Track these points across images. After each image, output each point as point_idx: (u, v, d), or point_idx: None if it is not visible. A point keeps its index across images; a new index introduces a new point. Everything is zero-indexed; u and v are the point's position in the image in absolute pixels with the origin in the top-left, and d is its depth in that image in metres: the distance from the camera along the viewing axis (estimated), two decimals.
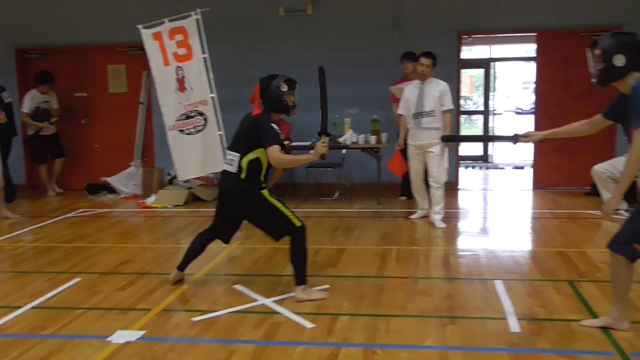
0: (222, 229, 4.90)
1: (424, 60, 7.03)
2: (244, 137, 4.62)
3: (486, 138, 4.68)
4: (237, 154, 4.58)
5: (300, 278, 4.58)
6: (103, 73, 10.17)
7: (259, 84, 4.69)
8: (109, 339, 3.89)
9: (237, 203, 4.66)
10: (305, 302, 4.49)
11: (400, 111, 7.27)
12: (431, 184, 7.06)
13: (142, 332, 3.99)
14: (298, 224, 4.55)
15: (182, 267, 5.01)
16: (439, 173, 6.98)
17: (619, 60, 3.46)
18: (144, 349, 3.75)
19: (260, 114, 4.64)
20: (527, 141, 4.24)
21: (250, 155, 4.53)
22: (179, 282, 5.03)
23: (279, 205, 4.57)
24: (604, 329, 3.86)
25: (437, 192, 7.02)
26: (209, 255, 5.81)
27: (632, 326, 3.81)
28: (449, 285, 4.91)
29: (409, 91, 7.20)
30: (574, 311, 4.23)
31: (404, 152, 7.32)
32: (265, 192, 4.60)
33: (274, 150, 4.43)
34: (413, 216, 7.37)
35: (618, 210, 7.43)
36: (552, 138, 4.31)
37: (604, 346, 3.65)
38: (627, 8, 8.87)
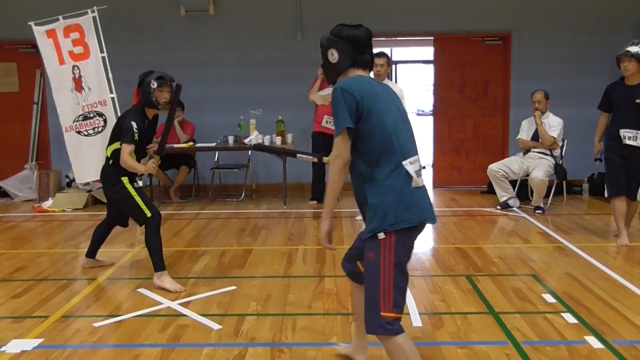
0: (114, 214, 5.27)
1: (379, 60, 6.88)
2: (114, 128, 5.05)
3: (293, 153, 4.74)
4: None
5: (157, 265, 4.86)
6: None
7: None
8: (2, 348, 3.71)
9: (103, 185, 5.11)
10: (212, 304, 4.46)
11: None
12: None
13: (39, 341, 3.83)
14: (149, 214, 4.87)
15: (90, 254, 5.42)
16: None
17: (333, 55, 2.99)
18: (42, 358, 3.60)
19: (132, 108, 4.97)
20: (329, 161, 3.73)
21: (115, 145, 4.92)
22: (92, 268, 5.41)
23: (134, 193, 4.91)
24: (497, 318, 4.06)
25: None
26: (111, 260, 5.66)
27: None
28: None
29: None
30: (472, 305, 4.42)
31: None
32: (125, 179, 4.92)
33: (124, 150, 4.80)
34: (358, 217, 7.26)
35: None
36: None
37: (499, 337, 3.83)
38: (517, 15, 9.35)
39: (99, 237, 5.41)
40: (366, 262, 2.85)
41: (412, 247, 2.90)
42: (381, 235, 2.76)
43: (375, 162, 2.81)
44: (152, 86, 4.85)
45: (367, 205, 2.83)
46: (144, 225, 4.96)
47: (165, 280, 4.83)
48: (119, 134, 4.88)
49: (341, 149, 2.81)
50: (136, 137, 4.81)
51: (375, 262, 2.78)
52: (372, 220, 2.80)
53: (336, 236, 6.60)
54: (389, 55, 14.84)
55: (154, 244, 4.88)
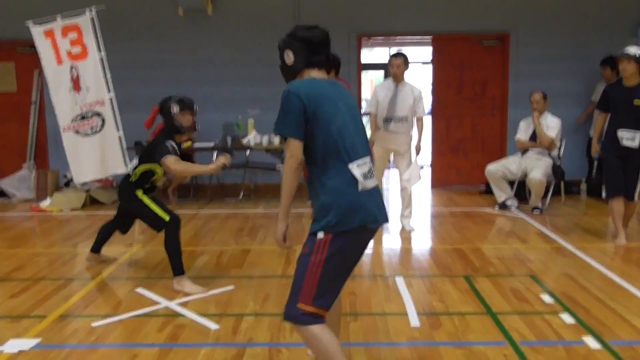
0: (120, 221, 5.39)
1: (395, 61, 6.68)
2: (144, 150, 5.10)
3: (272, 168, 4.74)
4: (137, 162, 5.09)
5: (176, 269, 4.82)
6: None
7: (158, 106, 5.00)
8: (0, 348, 3.71)
9: (120, 199, 5.25)
10: (210, 303, 4.46)
11: (371, 109, 6.82)
12: (402, 186, 6.81)
13: (37, 340, 3.83)
14: (167, 218, 4.85)
15: (95, 249, 5.50)
16: (409, 176, 6.71)
17: (289, 57, 3.04)
18: (39, 358, 3.59)
19: (160, 135, 4.93)
20: None
21: (143, 167, 4.96)
22: (102, 262, 5.56)
23: (148, 202, 4.95)
24: (494, 318, 4.07)
25: (406, 195, 6.81)
26: (113, 257, 5.66)
27: None
28: (352, 283, 4.98)
29: (382, 92, 6.79)
30: (470, 305, 4.42)
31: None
32: (139, 192, 4.99)
33: (170, 162, 4.74)
34: None
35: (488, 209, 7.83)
36: None
37: (497, 337, 3.83)
38: (515, 15, 9.36)
39: (104, 235, 5.46)
40: (300, 254, 2.88)
41: (353, 248, 2.89)
42: (320, 235, 2.79)
43: (321, 163, 2.85)
44: (173, 111, 4.86)
45: (318, 204, 2.87)
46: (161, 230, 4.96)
47: (185, 284, 4.76)
48: (151, 154, 4.87)
49: (293, 149, 2.83)
50: (177, 150, 4.81)
51: (307, 256, 2.81)
52: (316, 220, 2.83)
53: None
54: (389, 55, 14.71)
55: (173, 248, 4.82)
